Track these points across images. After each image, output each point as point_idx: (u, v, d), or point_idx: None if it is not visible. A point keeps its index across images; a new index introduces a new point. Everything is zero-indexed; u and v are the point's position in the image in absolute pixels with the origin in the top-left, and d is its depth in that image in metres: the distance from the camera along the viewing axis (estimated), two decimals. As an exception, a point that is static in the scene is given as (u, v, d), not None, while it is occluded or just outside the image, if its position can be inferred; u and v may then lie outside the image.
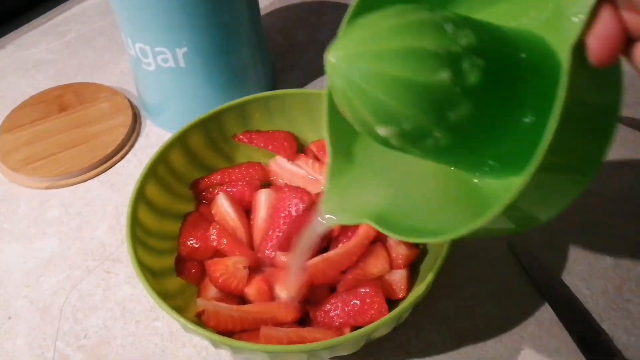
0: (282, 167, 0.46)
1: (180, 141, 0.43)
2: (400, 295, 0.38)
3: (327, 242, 0.40)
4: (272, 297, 0.38)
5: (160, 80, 0.51)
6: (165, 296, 0.36)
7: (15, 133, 0.53)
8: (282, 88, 0.58)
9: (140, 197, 0.40)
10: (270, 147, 0.46)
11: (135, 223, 0.38)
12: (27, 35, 0.65)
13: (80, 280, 0.44)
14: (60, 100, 0.56)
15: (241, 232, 0.41)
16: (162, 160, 0.42)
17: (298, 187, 0.41)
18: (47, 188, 0.50)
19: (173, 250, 0.42)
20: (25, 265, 0.46)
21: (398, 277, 0.39)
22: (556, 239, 0.45)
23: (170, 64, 0.49)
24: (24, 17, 0.68)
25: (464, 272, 0.43)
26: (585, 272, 0.43)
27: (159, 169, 0.42)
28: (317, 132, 0.47)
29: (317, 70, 0.60)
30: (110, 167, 0.52)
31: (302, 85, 0.58)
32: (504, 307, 0.41)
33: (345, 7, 0.69)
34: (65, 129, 0.53)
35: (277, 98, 0.46)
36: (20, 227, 0.48)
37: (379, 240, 0.39)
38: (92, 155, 0.51)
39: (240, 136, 0.46)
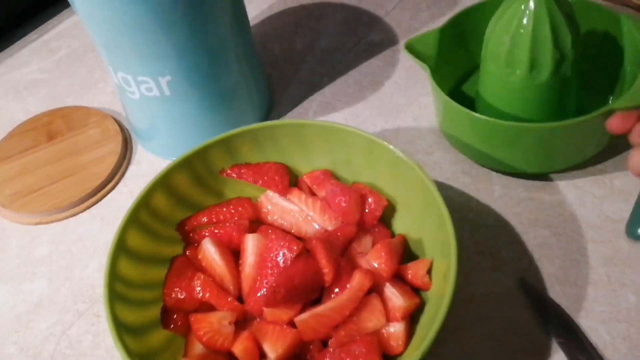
0: (274, 203, 0.43)
1: (162, 183, 0.40)
2: (399, 351, 0.36)
3: (318, 293, 0.37)
4: (259, 355, 0.36)
5: (146, 108, 0.48)
6: (150, 354, 0.35)
7: (5, 165, 0.52)
8: (279, 105, 0.55)
9: (121, 249, 0.37)
10: (260, 182, 0.43)
11: (114, 279, 0.36)
12: (19, 55, 0.63)
13: (70, 326, 0.43)
14: (49, 128, 0.54)
15: (228, 280, 0.39)
16: (143, 205, 0.39)
17: (286, 235, 0.38)
18: (37, 224, 0.49)
19: (159, 299, 0.40)
20: (15, 309, 0.44)
21: (396, 331, 0.36)
22: (572, 275, 0.41)
23: (154, 93, 0.46)
24: (15, 33, 0.65)
25: (469, 313, 0.40)
26: (606, 314, 0.39)
27: (140, 215, 0.39)
28: (310, 163, 0.44)
29: (316, 83, 0.56)
30: (100, 199, 0.50)
31: (300, 101, 0.55)
32: (513, 353, 0.38)
33: (346, 8, 0.65)
34: (54, 160, 0.52)
35: (265, 130, 0.42)
36: (10, 267, 0.47)
37: (374, 291, 0.37)
38: (81, 188, 0.49)
39: (229, 171, 0.43)
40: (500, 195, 0.46)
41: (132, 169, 0.52)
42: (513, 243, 0.43)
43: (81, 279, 0.45)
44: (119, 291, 0.36)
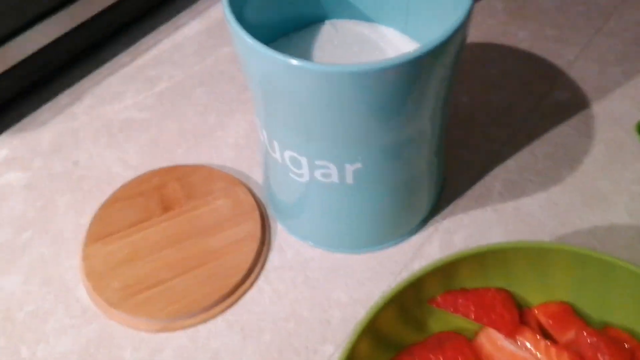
0: (499, 347, 0.32)
1: (369, 329, 0.30)
2: None
3: None
4: None
5: (312, 193, 0.37)
6: None
7: (109, 243, 0.40)
8: (452, 179, 0.43)
9: None
10: (484, 319, 0.32)
11: None
12: (108, 82, 0.51)
13: None
14: (162, 192, 0.43)
15: None
16: (348, 357, 0.29)
17: None
18: (157, 331, 0.38)
19: None
20: None
21: None
22: None
23: (332, 180, 0.35)
24: (101, 53, 0.53)
25: None
26: None
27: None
28: (545, 293, 0.33)
29: (495, 152, 0.45)
30: (237, 300, 0.39)
31: (478, 176, 0.43)
32: None
33: (517, 53, 0.50)
34: (174, 242, 0.40)
35: (496, 254, 0.32)
36: (127, 394, 0.36)
37: None
38: (214, 286, 0.38)
39: (441, 301, 0.32)
40: None
41: (274, 259, 0.41)
42: None
43: (225, 421, 0.35)
44: None
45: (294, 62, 0.28)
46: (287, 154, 0.35)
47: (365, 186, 0.35)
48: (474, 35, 0.53)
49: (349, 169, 0.34)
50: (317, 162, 0.34)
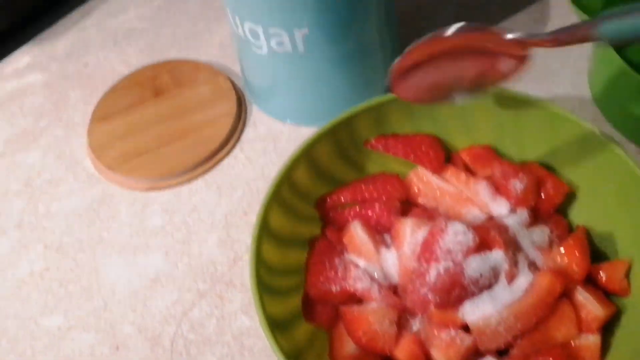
0: (426, 182, 0.37)
1: (305, 155, 0.35)
2: (591, 368, 0.30)
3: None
4: (426, 361, 0.31)
5: (273, 65, 0.42)
6: (297, 352, 0.31)
7: (110, 123, 0.47)
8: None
9: (264, 230, 0.33)
10: (411, 156, 0.37)
11: (259, 265, 0.32)
12: (114, 0, 0.58)
13: (192, 307, 0.39)
14: (155, 83, 0.49)
15: (379, 270, 0.34)
16: (285, 180, 0.34)
17: (460, 224, 0.32)
18: (147, 190, 0.44)
19: (298, 287, 0.35)
20: (130, 284, 0.41)
21: (590, 344, 0.30)
22: None
23: (286, 49, 0.40)
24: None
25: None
26: None
27: (282, 191, 0.34)
28: (470, 136, 0.38)
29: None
30: (215, 165, 0.45)
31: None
32: None
33: None
34: (163, 119, 0.47)
35: (422, 97, 0.36)
36: (122, 237, 0.43)
37: (564, 296, 0.31)
38: (195, 152, 0.44)
39: (374, 142, 0.37)
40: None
41: (249, 133, 0.46)
42: None
43: (200, 256, 0.41)
44: (264, 280, 0.32)
45: None
46: (247, 26, 0.40)
47: (317, 53, 0.41)
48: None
49: (298, 35, 0.39)
50: (271, 30, 0.39)
